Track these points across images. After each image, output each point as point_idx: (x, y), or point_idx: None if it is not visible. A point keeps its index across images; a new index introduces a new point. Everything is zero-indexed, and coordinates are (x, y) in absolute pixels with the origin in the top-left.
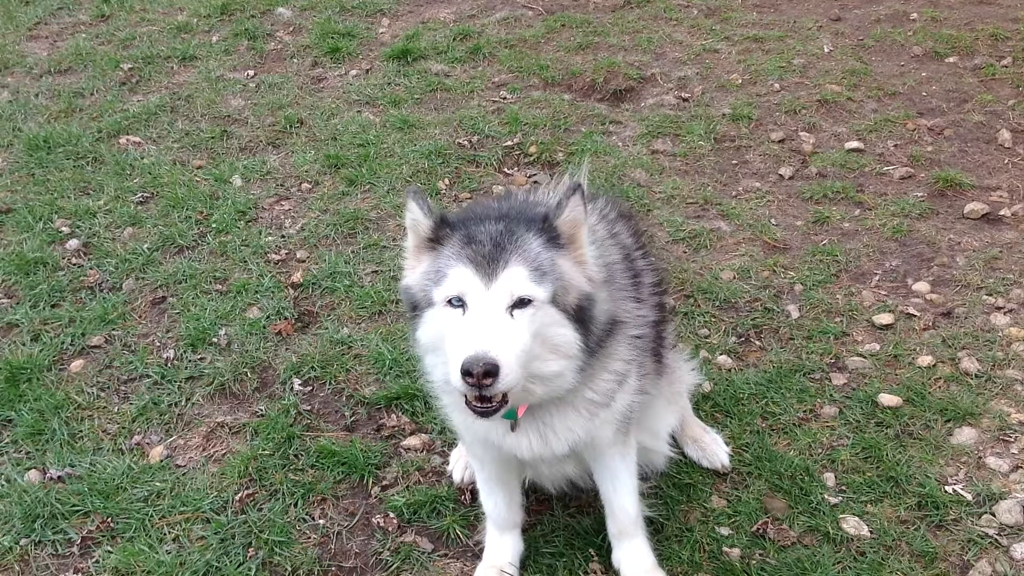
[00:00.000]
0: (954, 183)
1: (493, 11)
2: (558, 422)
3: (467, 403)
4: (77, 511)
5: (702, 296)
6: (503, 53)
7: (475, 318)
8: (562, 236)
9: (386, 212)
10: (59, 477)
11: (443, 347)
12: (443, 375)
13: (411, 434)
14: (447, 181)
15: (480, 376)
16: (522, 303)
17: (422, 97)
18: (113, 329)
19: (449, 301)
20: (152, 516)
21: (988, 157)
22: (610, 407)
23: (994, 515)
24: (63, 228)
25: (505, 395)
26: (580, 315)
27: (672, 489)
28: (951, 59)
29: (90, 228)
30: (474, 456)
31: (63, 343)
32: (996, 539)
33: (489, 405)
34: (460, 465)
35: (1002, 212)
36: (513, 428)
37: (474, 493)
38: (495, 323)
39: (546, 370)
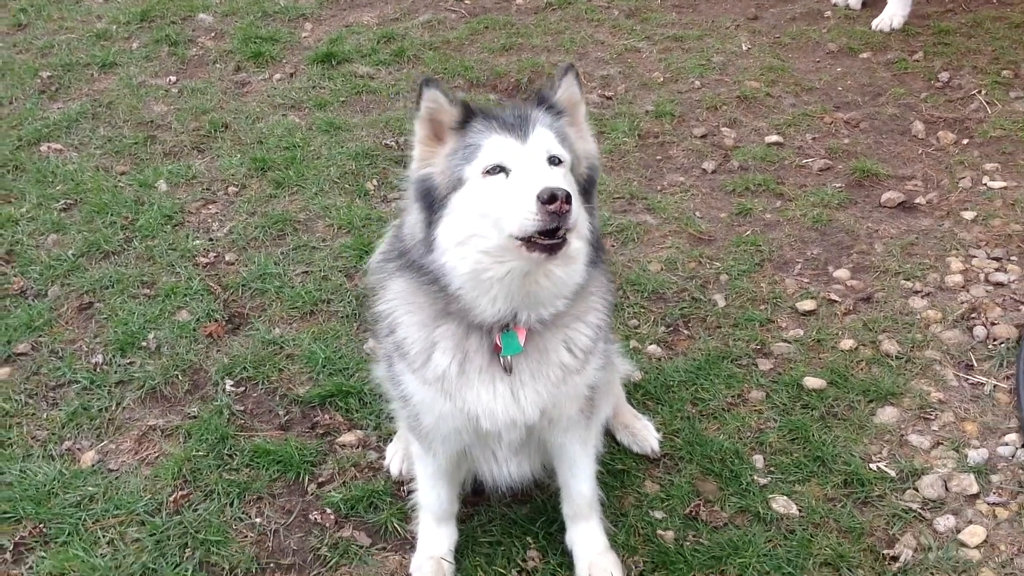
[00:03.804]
0: (871, 173)
1: (416, 14)
2: (529, 382)
3: (531, 243)
4: (8, 518)
5: (631, 288)
6: (428, 55)
7: (524, 172)
8: (564, 111)
9: (315, 213)
10: None
11: (481, 225)
12: (483, 248)
13: (347, 431)
14: (375, 182)
15: (564, 200)
16: (554, 162)
17: (348, 99)
18: (40, 336)
19: (488, 172)
20: (85, 520)
21: (902, 148)
22: (582, 372)
23: (917, 490)
24: None
25: (566, 234)
26: (588, 188)
27: (606, 475)
28: (865, 55)
29: (12, 236)
30: (426, 448)
31: None
32: (920, 513)
33: (556, 240)
34: (397, 459)
35: (917, 200)
36: (509, 370)
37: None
38: (547, 170)
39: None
